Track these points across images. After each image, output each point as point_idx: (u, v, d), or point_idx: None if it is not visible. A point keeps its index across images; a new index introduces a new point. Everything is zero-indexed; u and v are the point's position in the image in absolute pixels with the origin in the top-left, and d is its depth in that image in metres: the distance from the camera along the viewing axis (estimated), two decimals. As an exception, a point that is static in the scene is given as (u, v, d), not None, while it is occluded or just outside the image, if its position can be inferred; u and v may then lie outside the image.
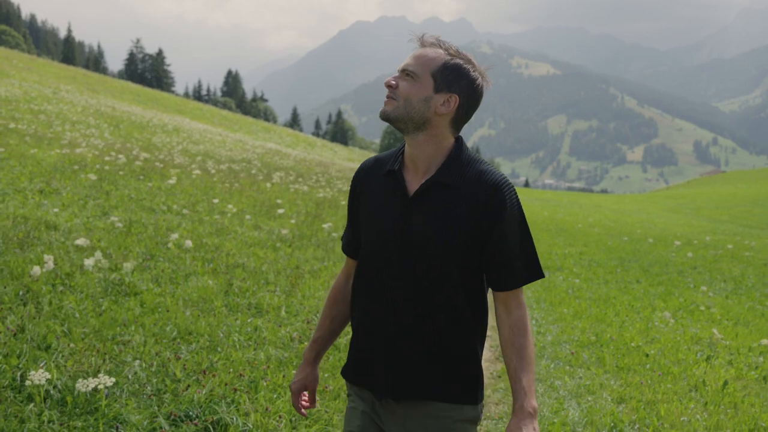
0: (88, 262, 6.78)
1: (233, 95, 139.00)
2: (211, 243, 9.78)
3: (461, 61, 2.45)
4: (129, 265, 7.23)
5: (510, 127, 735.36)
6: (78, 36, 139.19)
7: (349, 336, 3.11)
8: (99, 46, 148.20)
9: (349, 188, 2.81)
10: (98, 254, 7.02)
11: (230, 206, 13.28)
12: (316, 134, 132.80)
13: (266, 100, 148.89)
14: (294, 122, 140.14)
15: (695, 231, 29.85)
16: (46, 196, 10.99)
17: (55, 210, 9.90)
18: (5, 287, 6.04)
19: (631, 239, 22.81)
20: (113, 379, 3.89)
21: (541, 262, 14.85)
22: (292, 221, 13.24)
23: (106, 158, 16.32)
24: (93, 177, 12.97)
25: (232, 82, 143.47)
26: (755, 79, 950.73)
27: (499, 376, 6.75)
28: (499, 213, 2.42)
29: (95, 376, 4.18)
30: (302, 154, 47.58)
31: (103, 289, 6.64)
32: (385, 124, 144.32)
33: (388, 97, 2.46)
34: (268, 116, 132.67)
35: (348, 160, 66.85)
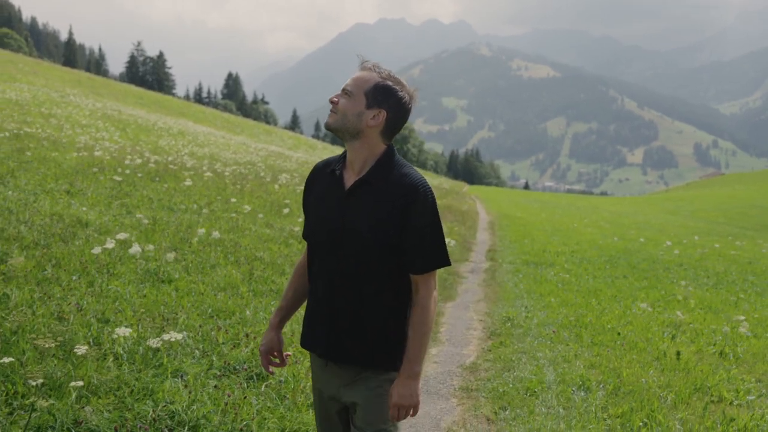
0: (131, 251, 7.71)
1: (234, 98, 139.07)
2: (229, 239, 10.70)
3: (391, 83, 2.95)
4: (171, 255, 8.18)
5: (510, 130, 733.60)
6: (77, 38, 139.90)
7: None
8: (100, 49, 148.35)
9: None
10: (136, 246, 7.94)
11: (246, 206, 14.20)
12: (317, 136, 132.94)
13: (267, 103, 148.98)
14: (294, 125, 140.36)
15: (689, 232, 30.51)
16: (72, 196, 11.78)
17: (84, 209, 10.74)
18: (62, 273, 6.98)
19: (622, 239, 23.63)
20: (180, 334, 4.85)
21: (535, 260, 15.85)
22: (301, 220, 14.13)
23: (126, 162, 17.13)
24: (118, 179, 13.83)
25: (232, 84, 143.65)
26: (755, 81, 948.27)
27: (489, 350, 7.80)
28: (413, 209, 2.90)
29: (158, 336, 5.10)
30: (304, 157, 48.23)
31: (142, 276, 7.59)
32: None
33: (330, 110, 2.97)
34: (268, 119, 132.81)
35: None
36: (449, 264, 3.05)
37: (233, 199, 14.74)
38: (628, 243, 22.14)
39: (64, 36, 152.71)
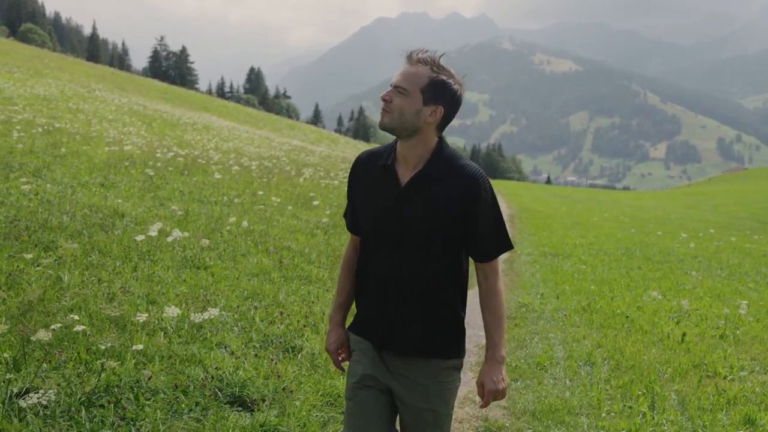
0: (170, 239, 8.27)
1: (256, 92, 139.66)
2: (258, 229, 11.25)
3: (444, 76, 2.92)
4: (206, 241, 8.75)
5: (532, 124, 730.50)
6: (100, 33, 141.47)
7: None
8: (123, 44, 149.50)
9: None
10: (176, 232, 8.49)
11: (274, 198, 14.77)
12: (338, 131, 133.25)
13: (289, 97, 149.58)
14: (316, 119, 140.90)
15: (708, 226, 30.57)
16: (107, 189, 12.30)
17: (119, 201, 11.29)
18: (107, 259, 7.55)
19: (640, 232, 23.99)
20: (224, 309, 5.41)
21: (552, 251, 16.30)
22: (327, 212, 14.68)
23: (157, 155, 17.71)
24: (150, 172, 14.41)
25: (254, 78, 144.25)
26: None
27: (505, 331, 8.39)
28: (475, 200, 2.93)
29: (202, 312, 5.65)
30: (326, 151, 48.75)
31: (180, 263, 8.16)
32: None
33: (383, 109, 2.93)
34: (290, 113, 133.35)
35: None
36: (512, 247, 3.13)
37: (260, 192, 15.32)
38: (646, 236, 22.51)
39: (87, 31, 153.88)
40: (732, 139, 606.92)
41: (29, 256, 6.73)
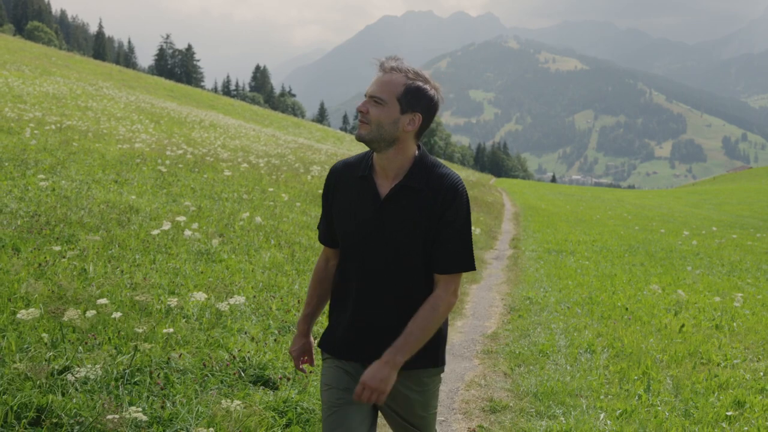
0: (187, 234, 8.60)
1: (261, 90, 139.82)
2: (269, 225, 11.57)
3: (420, 82, 2.85)
4: (216, 240, 9.08)
5: (537, 123, 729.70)
6: (106, 31, 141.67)
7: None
8: (129, 42, 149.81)
9: None
10: (192, 228, 8.82)
11: (283, 194, 15.09)
12: (344, 129, 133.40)
13: (294, 95, 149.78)
14: (322, 117, 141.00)
15: (711, 224, 30.84)
16: (121, 186, 12.55)
17: (133, 197, 11.58)
18: (127, 252, 7.88)
19: (644, 230, 24.26)
20: (242, 297, 5.73)
21: (556, 248, 16.59)
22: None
23: (167, 153, 18.00)
24: (162, 169, 14.72)
25: (260, 77, 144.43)
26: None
27: (509, 322, 8.79)
28: (452, 211, 2.89)
29: (224, 301, 5.97)
30: (332, 149, 49.01)
31: (196, 256, 8.47)
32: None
33: (360, 121, 2.85)
34: (296, 111, 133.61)
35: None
36: (474, 269, 3.03)
37: (270, 189, 15.65)
38: (649, 234, 22.78)
39: (92, 29, 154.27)
40: (737, 137, 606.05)
41: (57, 248, 7.07)
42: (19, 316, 4.59)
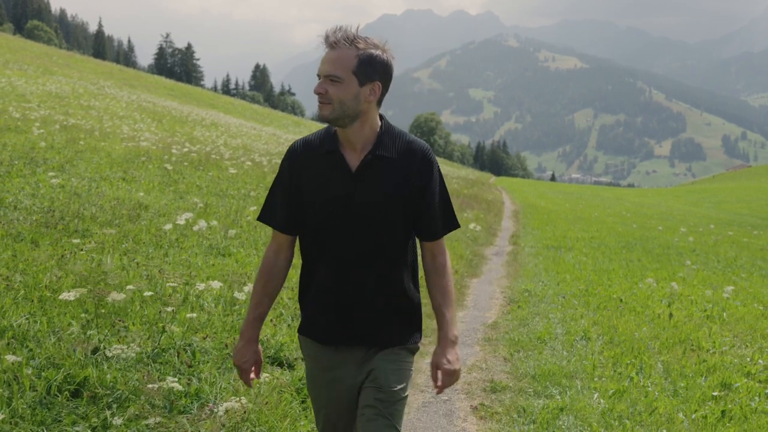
0: (196, 228, 8.91)
1: (261, 89, 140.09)
2: (275, 220, 11.87)
3: (371, 50, 2.76)
4: (232, 232, 9.40)
5: (536, 121, 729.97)
6: (105, 30, 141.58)
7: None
8: (129, 41, 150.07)
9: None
10: (202, 222, 9.13)
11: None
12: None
13: (293, 94, 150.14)
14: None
15: (709, 222, 31.14)
16: (129, 183, 12.80)
17: (141, 194, 11.87)
18: (140, 246, 8.21)
19: (642, 227, 24.62)
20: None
21: (555, 244, 16.91)
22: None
23: (172, 150, 18.30)
24: (169, 167, 15.02)
25: (260, 76, 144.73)
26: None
27: (508, 313, 9.18)
28: (427, 177, 2.88)
29: (239, 290, 6.30)
30: (333, 148, 49.21)
31: (206, 250, 8.80)
32: (412, 118, 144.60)
33: (321, 102, 2.77)
34: (295, 110, 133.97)
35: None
36: (459, 226, 3.04)
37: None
38: (647, 231, 23.12)
39: (92, 28, 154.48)
40: (737, 136, 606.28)
41: (76, 241, 7.40)
42: (62, 297, 4.89)
